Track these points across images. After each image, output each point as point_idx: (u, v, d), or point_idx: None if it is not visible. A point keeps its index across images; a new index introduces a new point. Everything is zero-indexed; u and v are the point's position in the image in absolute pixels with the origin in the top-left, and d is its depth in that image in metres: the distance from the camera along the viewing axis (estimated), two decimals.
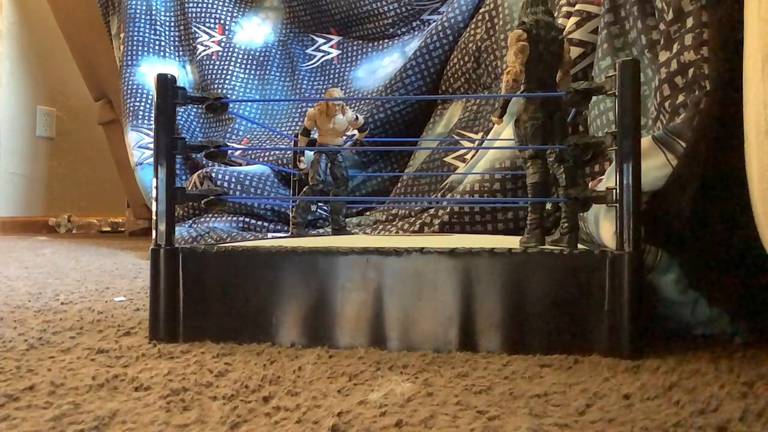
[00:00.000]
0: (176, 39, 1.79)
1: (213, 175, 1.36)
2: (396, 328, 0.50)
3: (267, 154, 1.43)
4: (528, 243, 0.54)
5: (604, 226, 0.53)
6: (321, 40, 1.73)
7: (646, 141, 0.51)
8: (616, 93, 0.47)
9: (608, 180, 0.52)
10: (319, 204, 1.26)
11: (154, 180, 0.53)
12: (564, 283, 0.48)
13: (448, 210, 0.91)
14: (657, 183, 0.50)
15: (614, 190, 0.48)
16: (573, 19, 0.86)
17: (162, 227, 0.53)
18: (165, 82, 0.53)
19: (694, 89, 0.50)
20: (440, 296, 0.49)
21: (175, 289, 0.53)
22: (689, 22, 0.52)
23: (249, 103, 1.69)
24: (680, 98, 0.52)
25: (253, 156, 1.46)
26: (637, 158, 0.47)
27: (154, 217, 0.53)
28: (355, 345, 0.50)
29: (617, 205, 0.47)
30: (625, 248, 0.47)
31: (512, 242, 0.58)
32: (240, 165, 1.46)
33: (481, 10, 1.31)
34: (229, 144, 1.48)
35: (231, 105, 0.57)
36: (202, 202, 0.57)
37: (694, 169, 0.49)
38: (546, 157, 0.54)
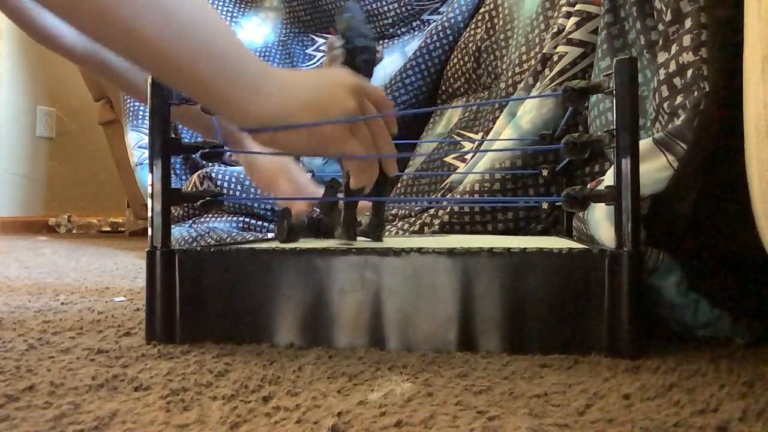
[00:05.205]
0: None
1: (213, 175, 1.36)
2: (395, 328, 0.50)
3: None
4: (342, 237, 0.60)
5: (603, 227, 0.53)
6: (321, 40, 1.73)
7: (646, 143, 0.51)
8: (614, 91, 0.47)
9: (609, 180, 0.52)
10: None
11: (150, 180, 0.52)
12: (563, 282, 0.48)
13: (448, 210, 0.91)
14: (658, 185, 0.50)
15: (612, 189, 0.47)
16: (573, 19, 0.86)
17: (158, 229, 0.52)
18: (159, 83, 0.53)
19: (693, 90, 0.50)
20: (439, 296, 0.49)
21: (171, 291, 0.52)
22: (688, 23, 0.52)
23: None
24: (679, 99, 0.52)
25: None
26: (636, 156, 0.47)
27: (149, 219, 0.53)
28: (354, 345, 0.50)
29: (615, 203, 0.47)
30: (624, 247, 0.47)
31: (512, 242, 0.58)
32: (240, 165, 1.46)
33: (481, 10, 1.31)
34: None
35: None
36: (199, 203, 0.57)
37: (695, 171, 0.49)
38: None
